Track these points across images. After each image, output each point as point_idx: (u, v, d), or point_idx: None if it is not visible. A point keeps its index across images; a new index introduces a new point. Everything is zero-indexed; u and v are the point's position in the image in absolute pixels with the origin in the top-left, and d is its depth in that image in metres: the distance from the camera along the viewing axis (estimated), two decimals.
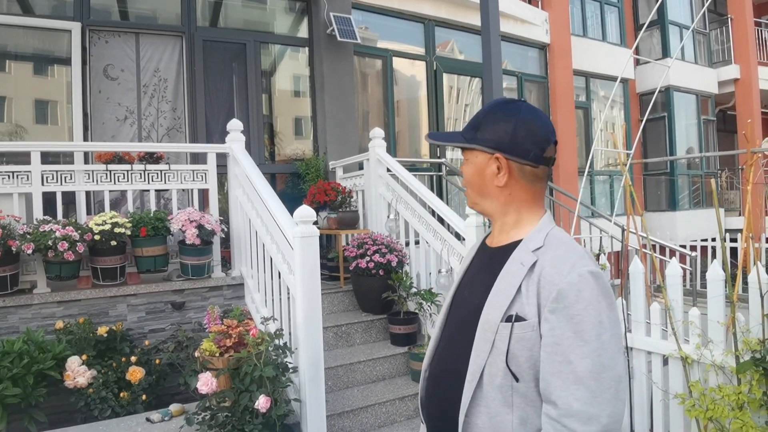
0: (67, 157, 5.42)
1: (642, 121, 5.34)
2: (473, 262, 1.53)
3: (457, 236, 4.54)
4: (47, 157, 4.66)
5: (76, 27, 5.66)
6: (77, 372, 3.59)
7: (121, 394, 3.65)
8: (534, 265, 1.28)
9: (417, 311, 4.69)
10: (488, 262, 1.43)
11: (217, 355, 3.23)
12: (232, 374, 3.19)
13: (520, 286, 1.28)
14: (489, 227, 1.59)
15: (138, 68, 6.09)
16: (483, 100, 8.56)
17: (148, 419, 3.48)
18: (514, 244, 1.37)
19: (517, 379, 1.25)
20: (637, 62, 11.69)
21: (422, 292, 4.55)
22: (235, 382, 3.16)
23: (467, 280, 1.50)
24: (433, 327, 1.76)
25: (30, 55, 5.81)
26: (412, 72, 8.39)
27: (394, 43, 8.00)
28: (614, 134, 8.89)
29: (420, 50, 8.29)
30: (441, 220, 4.81)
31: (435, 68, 8.32)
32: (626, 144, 10.42)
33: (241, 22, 6.87)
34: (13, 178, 4.05)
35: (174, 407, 3.59)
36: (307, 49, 7.14)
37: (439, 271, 4.57)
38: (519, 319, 1.25)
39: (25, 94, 5.81)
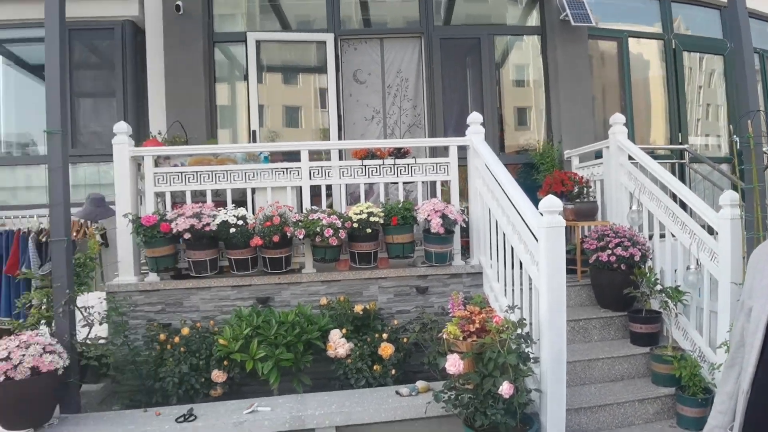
0: (314, 155, 6.09)
1: None
2: None
3: (708, 230, 4.17)
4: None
5: (329, 38, 6.35)
6: (338, 344, 4.07)
7: (375, 367, 4.03)
8: None
9: (661, 310, 4.40)
10: None
11: (461, 339, 3.39)
12: (475, 358, 3.32)
13: None
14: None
15: (383, 71, 6.62)
16: (727, 82, 7.64)
17: (397, 392, 3.77)
18: None
19: None
20: None
21: (668, 289, 4.26)
22: (478, 367, 3.30)
23: None
24: (730, 335, 1.85)
25: (289, 66, 6.68)
26: (646, 52, 7.80)
27: (628, 23, 7.52)
28: None
29: (656, 29, 7.67)
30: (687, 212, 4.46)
31: (674, 47, 7.61)
32: None
33: (473, 18, 7.07)
34: (287, 173, 4.73)
35: (420, 384, 3.84)
36: (538, 37, 7.07)
37: (688, 268, 4.25)
38: None
39: (280, 101, 6.69)
